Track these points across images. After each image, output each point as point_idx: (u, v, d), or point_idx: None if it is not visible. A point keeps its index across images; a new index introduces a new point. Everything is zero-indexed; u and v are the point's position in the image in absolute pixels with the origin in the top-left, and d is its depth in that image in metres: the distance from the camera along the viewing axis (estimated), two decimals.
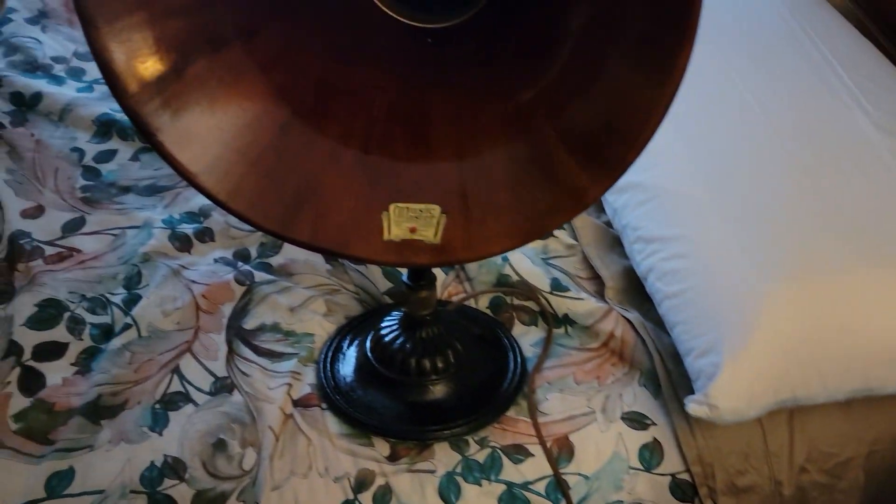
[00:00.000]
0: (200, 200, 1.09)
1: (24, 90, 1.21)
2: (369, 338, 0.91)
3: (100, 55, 0.56)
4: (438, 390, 0.86)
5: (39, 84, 1.22)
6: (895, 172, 0.85)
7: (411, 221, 0.62)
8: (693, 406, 0.76)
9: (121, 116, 1.18)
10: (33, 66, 1.27)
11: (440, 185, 0.62)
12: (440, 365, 0.86)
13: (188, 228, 1.05)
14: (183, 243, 1.03)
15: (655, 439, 0.83)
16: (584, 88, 0.57)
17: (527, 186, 0.59)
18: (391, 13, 0.72)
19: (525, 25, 0.67)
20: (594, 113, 0.56)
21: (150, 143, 0.60)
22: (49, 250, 1.01)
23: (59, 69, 1.27)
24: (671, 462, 0.83)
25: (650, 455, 0.83)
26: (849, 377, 0.77)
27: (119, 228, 1.05)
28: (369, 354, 0.89)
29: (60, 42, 1.32)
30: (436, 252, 0.61)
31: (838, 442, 0.85)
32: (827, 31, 1.06)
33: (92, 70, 1.28)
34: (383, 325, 0.90)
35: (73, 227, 1.05)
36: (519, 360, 0.91)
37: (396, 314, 0.91)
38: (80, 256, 1.01)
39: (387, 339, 0.88)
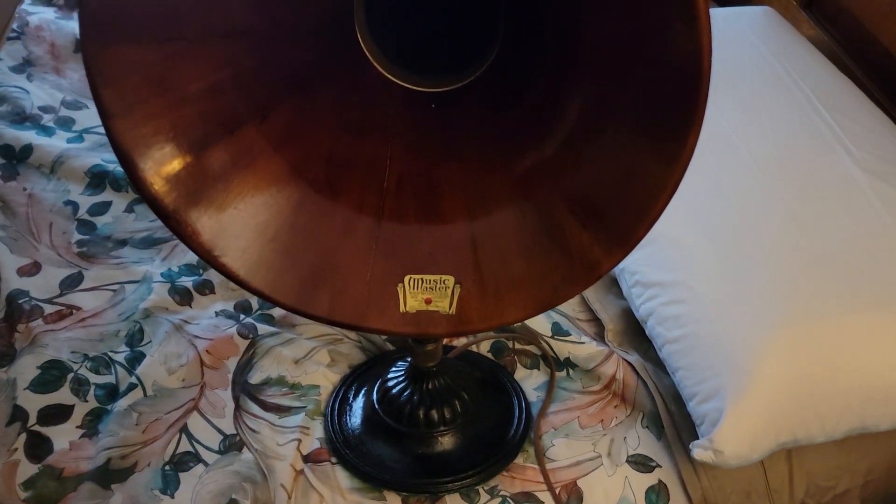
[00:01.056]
0: None
1: (13, 143, 1.20)
2: (376, 389, 0.92)
3: (119, 146, 0.57)
4: (447, 441, 0.88)
5: (29, 136, 1.22)
6: (881, 214, 0.88)
7: (426, 293, 0.63)
8: (698, 451, 0.79)
9: (114, 167, 1.18)
10: (21, 117, 1.26)
11: (454, 256, 0.64)
12: (447, 416, 0.88)
13: (187, 281, 1.05)
14: (183, 297, 1.04)
15: (661, 481, 0.85)
16: (591, 163, 0.59)
17: (540, 257, 0.61)
18: (393, 79, 0.74)
19: (526, 94, 0.69)
20: (604, 187, 0.58)
21: (168, 224, 0.61)
22: (48, 309, 1.01)
23: (47, 119, 1.27)
24: (677, 503, 0.85)
25: (656, 497, 0.85)
26: (845, 418, 0.80)
27: (118, 283, 1.05)
28: (377, 406, 0.90)
29: (47, 91, 1.31)
30: (452, 322, 0.62)
31: (835, 475, 0.88)
32: (808, 70, 1.09)
33: (81, 119, 1.28)
34: (389, 376, 0.91)
35: (71, 283, 1.05)
36: (523, 405, 0.92)
37: (402, 364, 0.92)
38: (80, 314, 1.01)
39: (394, 391, 0.89)
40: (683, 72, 0.50)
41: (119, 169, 1.18)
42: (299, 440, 0.89)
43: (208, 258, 0.61)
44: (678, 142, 0.53)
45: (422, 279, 0.64)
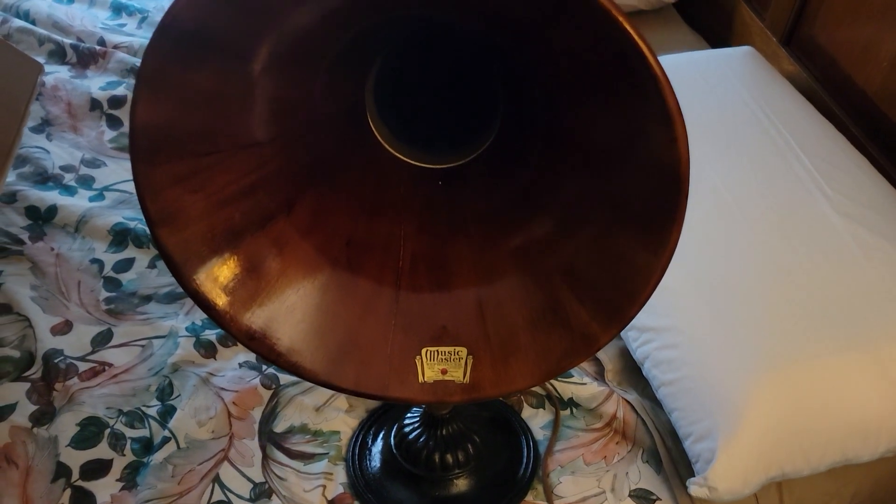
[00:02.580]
0: None
1: (38, 204, 1.27)
2: (393, 434, 0.98)
3: (164, 251, 0.63)
4: (462, 483, 0.94)
5: (53, 196, 1.28)
6: (857, 257, 0.95)
7: (442, 364, 0.70)
8: (695, 488, 0.85)
9: (134, 225, 1.25)
10: (44, 177, 1.33)
11: (466, 329, 0.71)
12: (461, 459, 0.94)
13: (211, 334, 1.12)
14: (208, 350, 1.10)
15: None
16: (586, 246, 0.66)
17: (544, 330, 0.68)
18: (403, 157, 0.80)
19: (521, 173, 0.76)
20: (599, 269, 0.65)
21: (208, 314, 0.67)
22: (82, 366, 1.08)
23: (69, 178, 1.34)
24: None
25: None
26: (829, 452, 0.87)
27: (145, 339, 1.12)
28: (395, 451, 0.97)
29: (67, 150, 1.38)
30: (466, 391, 0.69)
31: (823, 500, 0.94)
32: (788, 113, 1.16)
33: (100, 177, 1.34)
34: (406, 421, 0.98)
35: (101, 340, 1.11)
36: (531, 444, 0.99)
37: (417, 410, 0.99)
38: (112, 370, 1.08)
39: (410, 436, 0.96)
40: (665, 177, 0.57)
41: (140, 226, 1.25)
42: (324, 486, 0.95)
43: (244, 340, 0.68)
44: (663, 235, 0.59)
45: (437, 351, 0.70)
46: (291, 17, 0.60)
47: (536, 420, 1.03)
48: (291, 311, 0.70)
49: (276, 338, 0.69)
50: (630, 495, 0.93)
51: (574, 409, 1.03)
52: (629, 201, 0.62)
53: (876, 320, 0.90)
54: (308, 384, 1.06)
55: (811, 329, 0.89)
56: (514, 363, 0.69)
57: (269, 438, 1.01)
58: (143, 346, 1.11)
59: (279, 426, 1.02)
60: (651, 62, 0.51)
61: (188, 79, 0.59)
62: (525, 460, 0.97)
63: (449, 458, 0.94)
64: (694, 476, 0.88)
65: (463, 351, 0.70)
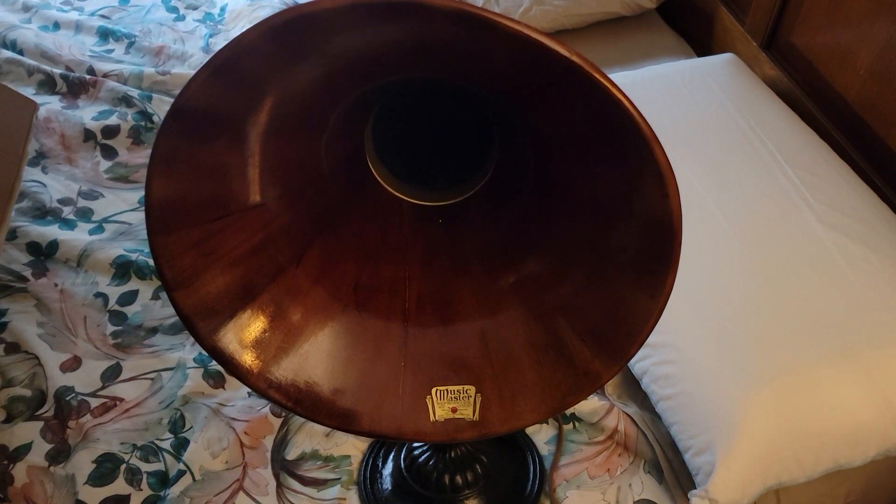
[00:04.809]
0: None
1: (39, 239, 1.28)
2: (403, 457, 1.02)
3: (182, 313, 0.66)
4: (471, 503, 0.98)
5: (53, 231, 1.30)
6: (842, 267, 0.99)
7: (452, 402, 0.73)
8: (696, 500, 0.89)
9: (136, 257, 1.27)
10: (42, 212, 1.34)
11: (472, 367, 0.74)
12: (470, 479, 0.98)
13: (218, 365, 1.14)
14: (216, 380, 1.13)
15: None
16: (584, 287, 0.69)
17: (549, 369, 0.71)
18: (403, 197, 0.83)
19: (515, 211, 0.78)
20: (598, 310, 0.68)
21: (227, 369, 0.70)
22: (94, 402, 1.10)
23: (67, 212, 1.35)
24: None
25: None
26: (822, 460, 0.90)
27: (154, 371, 1.14)
28: (405, 474, 1.00)
29: (63, 182, 1.39)
30: (476, 427, 0.72)
31: (818, 501, 0.99)
32: (770, 123, 1.19)
33: (98, 209, 1.36)
34: (415, 444, 1.01)
35: (111, 375, 1.13)
36: (537, 459, 1.03)
37: None
38: (123, 405, 1.10)
39: (420, 459, 0.99)
40: (659, 228, 0.60)
41: (142, 258, 1.27)
42: None
43: (259, 390, 0.71)
44: (658, 280, 0.62)
45: (447, 390, 0.73)
46: (289, 85, 0.62)
47: (540, 435, 1.06)
48: (305, 358, 0.73)
49: (292, 387, 0.72)
50: None
51: (577, 424, 1.06)
52: (623, 249, 0.65)
53: (862, 329, 0.93)
54: None
55: (801, 341, 0.92)
56: (521, 400, 0.72)
57: (282, 466, 1.03)
58: (152, 379, 1.13)
59: (291, 453, 1.05)
60: (643, 128, 0.54)
61: (198, 154, 0.62)
62: (531, 476, 1.01)
63: (458, 479, 0.97)
64: (695, 487, 0.92)
65: (471, 389, 0.73)
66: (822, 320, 0.94)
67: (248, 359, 0.70)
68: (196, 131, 0.59)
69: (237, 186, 0.66)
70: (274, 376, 0.71)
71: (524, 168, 0.76)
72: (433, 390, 0.73)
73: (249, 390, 1.12)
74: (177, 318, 1.21)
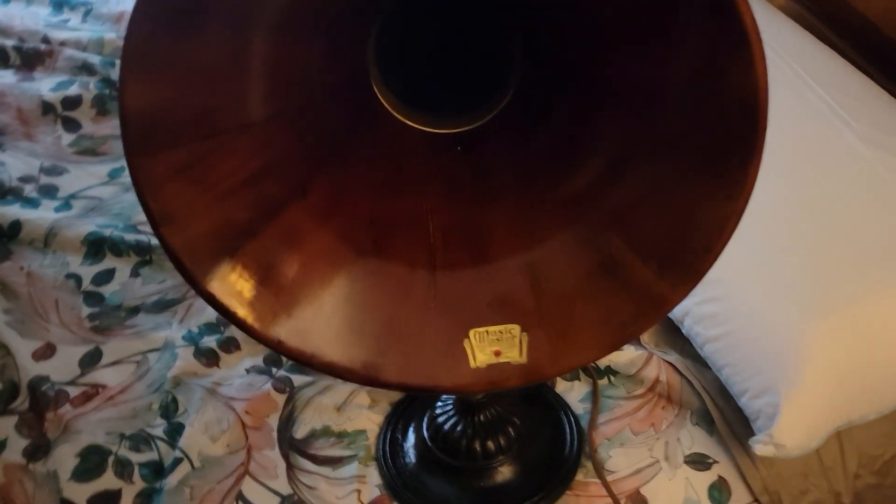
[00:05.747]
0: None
1: (0, 220, 1.16)
2: (426, 426, 0.91)
3: (171, 251, 0.55)
4: (506, 470, 0.88)
5: (14, 210, 1.17)
6: (891, 185, 0.90)
7: (494, 345, 0.63)
8: (760, 447, 0.80)
9: (109, 233, 1.15)
10: (2, 191, 1.22)
11: (514, 303, 0.63)
12: (503, 443, 0.88)
13: (210, 341, 1.03)
14: (210, 358, 1.02)
15: (720, 477, 0.87)
16: (643, 197, 0.59)
17: (603, 297, 0.61)
18: (415, 125, 0.73)
19: (552, 125, 0.68)
20: (662, 221, 0.58)
21: (232, 322, 0.59)
22: (73, 391, 0.98)
23: (29, 190, 1.23)
24: (739, 496, 0.86)
25: (719, 494, 0.86)
26: (892, 392, 0.82)
27: (139, 354, 1.02)
28: (430, 444, 0.90)
29: (23, 159, 1.27)
30: (524, 372, 0.62)
31: (882, 443, 0.90)
32: (793, 46, 1.10)
33: (64, 185, 1.24)
34: (438, 411, 0.91)
35: (90, 361, 1.02)
36: (572, 419, 0.93)
37: (446, 398, 0.92)
38: (106, 392, 0.99)
39: (446, 426, 0.89)
40: (739, 110, 0.50)
41: (116, 233, 1.15)
42: (358, 490, 0.88)
43: (272, 345, 0.60)
44: (737, 176, 0.53)
45: (487, 332, 0.63)
46: None
47: (573, 394, 0.97)
48: (320, 307, 0.62)
49: (308, 339, 0.61)
50: (685, 461, 0.88)
51: (612, 378, 0.96)
52: (693, 144, 0.55)
53: None
54: (324, 382, 0.98)
55: (859, 266, 0.84)
56: (574, 335, 0.62)
57: (291, 446, 0.93)
58: (137, 362, 1.02)
59: (300, 432, 0.94)
60: None
61: (181, 52, 0.51)
62: (569, 438, 0.91)
63: (490, 444, 0.87)
64: (753, 433, 0.83)
65: (515, 328, 0.63)
66: (878, 243, 0.86)
67: (253, 308, 0.59)
68: (177, 21, 0.49)
69: (227, 98, 0.55)
70: (285, 330, 0.61)
71: (558, 74, 0.66)
72: (471, 333, 0.63)
73: (247, 367, 1.01)
74: (161, 294, 1.10)
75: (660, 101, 0.56)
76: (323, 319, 0.62)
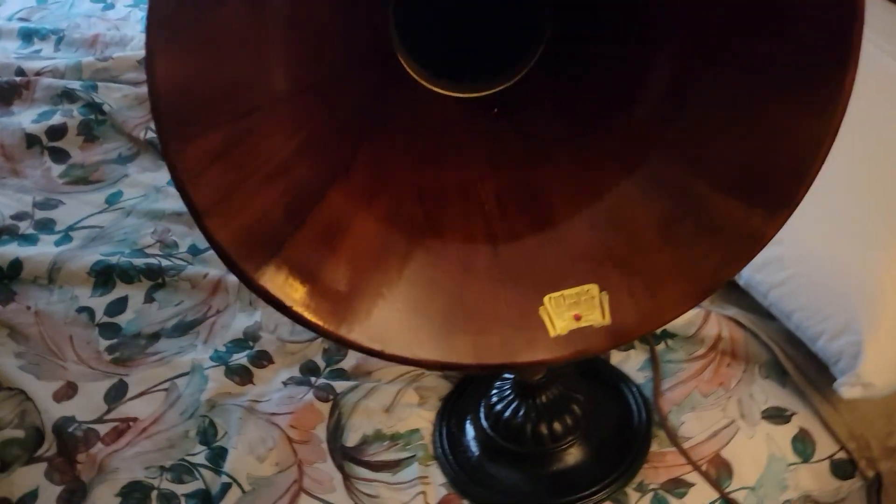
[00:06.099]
0: (240, 324, 1.01)
1: None
2: (483, 416, 0.86)
3: (217, 244, 0.50)
4: (576, 451, 0.83)
5: (12, 250, 1.11)
6: None
7: (572, 309, 0.58)
8: (846, 389, 0.76)
9: (117, 259, 1.08)
10: None
11: (587, 262, 0.59)
12: (570, 423, 0.82)
13: (241, 358, 0.97)
14: (242, 376, 0.96)
15: (802, 429, 0.82)
16: (724, 128, 0.54)
17: (686, 242, 0.56)
18: (446, 92, 0.68)
19: (599, 75, 0.64)
20: (746, 151, 0.54)
21: (287, 314, 0.54)
22: (102, 429, 0.92)
23: (25, 227, 1.16)
24: (824, 446, 0.82)
25: (803, 446, 0.82)
26: None
27: (167, 381, 0.96)
28: (491, 433, 0.85)
29: (13, 197, 1.20)
30: (610, 334, 0.57)
31: None
32: None
33: (61, 217, 1.17)
34: (493, 399, 0.86)
35: (116, 395, 0.95)
36: (635, 390, 0.88)
37: (501, 383, 0.87)
38: (139, 425, 0.92)
39: (506, 413, 0.84)
40: (831, 13, 0.45)
41: (124, 259, 1.09)
42: (423, 492, 0.83)
43: (335, 337, 0.55)
44: (830, 88, 0.48)
45: (563, 296, 0.58)
46: None
47: (629, 364, 0.92)
48: (379, 295, 0.57)
49: (373, 327, 0.56)
50: (763, 417, 0.83)
51: (669, 342, 0.92)
52: (774, 62, 0.51)
53: None
54: (368, 385, 0.93)
55: None
56: (659, 289, 0.57)
57: (344, 455, 0.87)
58: (166, 389, 0.95)
59: (350, 439, 0.88)
60: None
61: (208, 18, 0.46)
62: (636, 409, 0.86)
63: (557, 426, 0.82)
64: (832, 378, 0.79)
65: (594, 288, 0.58)
66: None
67: (313, 300, 0.54)
68: None
69: (262, 66, 0.50)
70: (347, 317, 0.55)
71: (600, 16, 0.61)
72: (546, 299, 0.58)
73: (284, 380, 0.95)
74: (180, 317, 1.04)
75: (738, 19, 0.51)
76: (385, 307, 0.57)
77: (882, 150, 0.83)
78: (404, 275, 0.57)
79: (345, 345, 0.56)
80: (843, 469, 0.82)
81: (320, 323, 0.55)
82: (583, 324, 0.57)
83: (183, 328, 1.02)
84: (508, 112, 0.66)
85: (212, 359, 0.97)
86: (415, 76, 0.65)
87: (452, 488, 0.83)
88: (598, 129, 0.61)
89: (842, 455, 0.82)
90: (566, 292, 0.58)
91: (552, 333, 0.57)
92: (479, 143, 0.65)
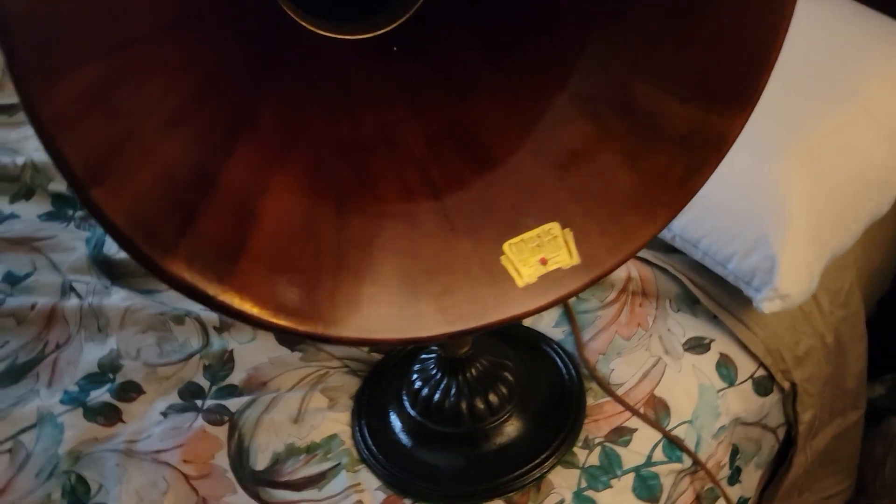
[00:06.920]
0: (90, 355, 0.84)
1: None
2: (408, 404, 0.78)
3: (104, 220, 0.37)
4: (515, 420, 0.76)
5: None
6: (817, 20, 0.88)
7: (536, 253, 0.51)
8: (766, 304, 0.76)
9: None
10: None
11: (542, 198, 0.52)
12: (505, 392, 0.76)
13: (102, 394, 0.81)
14: (108, 416, 0.79)
15: (722, 354, 0.82)
16: (667, 30, 0.50)
17: (645, 158, 0.52)
18: (336, 35, 0.58)
19: None
20: (694, 52, 0.50)
21: (210, 305, 0.42)
22: None
23: None
24: (744, 367, 0.82)
25: (727, 370, 0.82)
26: (860, 214, 0.82)
27: (8, 440, 0.78)
28: (421, 420, 0.76)
29: None
30: (584, 273, 0.51)
31: (839, 276, 0.91)
32: None
33: None
34: (417, 385, 0.77)
35: None
36: (557, 347, 0.84)
37: (419, 366, 0.79)
38: None
39: (436, 396, 0.76)
40: None
41: None
42: (360, 501, 0.73)
43: (270, 327, 0.44)
44: None
45: (522, 241, 0.51)
46: None
47: (544, 322, 0.87)
48: (318, 267, 0.47)
49: (316, 310, 0.45)
50: (686, 350, 0.82)
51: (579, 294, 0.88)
52: None
53: (841, 73, 0.85)
54: (266, 396, 0.81)
55: (798, 98, 0.82)
56: (626, 213, 0.52)
57: (258, 481, 0.74)
58: (9, 450, 0.77)
59: (259, 462, 0.76)
60: None
61: None
62: (563, 366, 0.82)
63: (493, 398, 0.75)
64: (744, 300, 0.79)
65: (555, 227, 0.52)
66: (814, 65, 0.84)
67: (239, 283, 0.43)
68: None
69: None
70: (278, 299, 0.45)
71: None
72: (504, 247, 0.51)
73: (162, 410, 0.80)
74: (9, 359, 0.85)
75: None
76: (327, 281, 0.47)
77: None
78: (339, 238, 0.48)
79: (286, 333, 0.45)
80: (763, 386, 0.83)
81: (254, 312, 0.44)
82: (550, 267, 0.51)
83: (16, 373, 0.83)
84: (415, 48, 0.58)
85: (63, 402, 0.80)
86: (297, 20, 0.55)
87: (390, 489, 0.74)
88: (517, 47, 0.55)
89: (761, 373, 0.83)
90: (525, 236, 0.51)
91: (520, 283, 0.50)
92: (390, 85, 0.56)
